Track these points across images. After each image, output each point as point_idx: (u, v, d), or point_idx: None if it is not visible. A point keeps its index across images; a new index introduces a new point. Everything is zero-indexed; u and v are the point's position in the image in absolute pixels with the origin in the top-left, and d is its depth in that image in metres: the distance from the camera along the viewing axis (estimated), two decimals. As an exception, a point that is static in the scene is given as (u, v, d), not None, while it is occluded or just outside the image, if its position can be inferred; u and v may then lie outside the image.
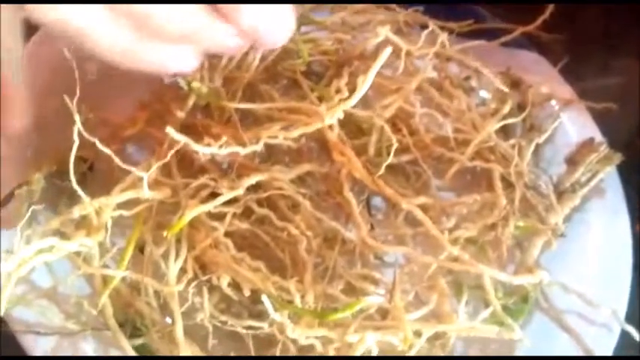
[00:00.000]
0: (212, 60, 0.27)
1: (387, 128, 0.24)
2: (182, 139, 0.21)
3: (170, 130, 0.21)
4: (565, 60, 0.32)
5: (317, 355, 0.21)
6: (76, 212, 0.21)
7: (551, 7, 0.30)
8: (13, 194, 0.24)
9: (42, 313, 0.23)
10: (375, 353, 0.21)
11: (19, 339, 0.23)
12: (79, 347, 0.23)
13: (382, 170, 0.24)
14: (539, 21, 0.31)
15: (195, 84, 0.25)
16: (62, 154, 0.25)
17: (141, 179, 0.22)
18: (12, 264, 0.19)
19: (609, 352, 0.26)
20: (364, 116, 0.25)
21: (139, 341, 0.23)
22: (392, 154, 0.24)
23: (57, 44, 0.29)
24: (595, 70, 0.35)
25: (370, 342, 0.20)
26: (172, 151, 0.21)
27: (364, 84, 0.23)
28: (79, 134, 0.23)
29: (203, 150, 0.22)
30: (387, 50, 0.23)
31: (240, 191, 0.23)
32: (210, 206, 0.22)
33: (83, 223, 0.22)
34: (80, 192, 0.21)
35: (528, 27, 0.31)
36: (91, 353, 0.23)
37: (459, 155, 0.27)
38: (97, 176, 0.26)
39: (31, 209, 0.23)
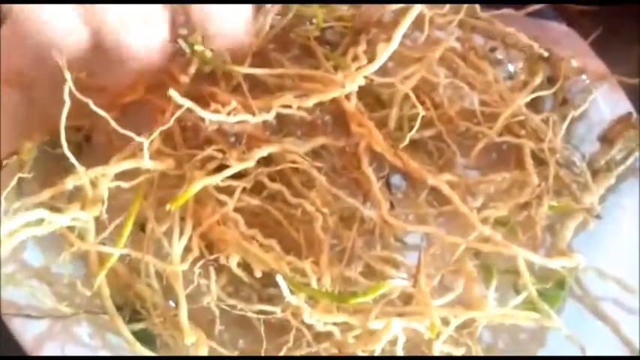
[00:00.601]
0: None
1: (412, 96, 0.22)
2: (187, 103, 0.20)
3: (173, 94, 0.20)
4: (597, 33, 0.30)
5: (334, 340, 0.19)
6: (70, 183, 0.20)
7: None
8: (2, 164, 0.22)
9: (33, 295, 0.21)
10: (401, 341, 0.19)
11: (7, 323, 0.21)
12: (72, 332, 0.21)
13: (406, 142, 0.22)
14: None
15: (199, 47, 0.24)
16: (55, 122, 0.24)
17: (141, 149, 0.20)
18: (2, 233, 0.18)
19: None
20: (385, 85, 0.23)
21: (138, 326, 0.21)
22: (417, 125, 0.22)
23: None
24: (626, 44, 0.33)
25: (396, 329, 0.18)
26: (175, 116, 0.20)
27: (387, 50, 0.22)
28: (75, 102, 0.21)
29: (210, 117, 0.20)
30: (416, 8, 0.21)
31: (250, 163, 0.21)
32: (218, 178, 0.20)
33: (78, 195, 0.21)
34: (73, 160, 0.19)
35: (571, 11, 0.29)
36: (85, 338, 0.21)
37: (486, 130, 0.25)
38: (94, 149, 0.25)
39: (17, 179, 0.21)
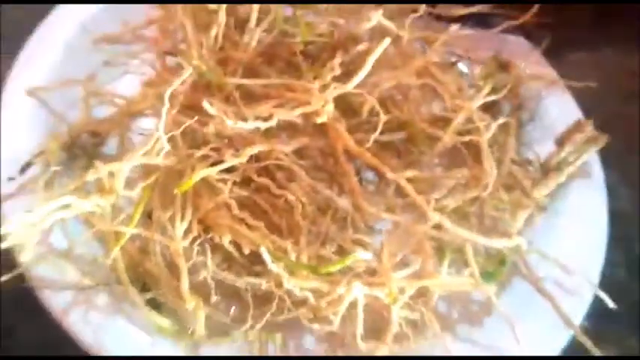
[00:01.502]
0: (207, 41, 0.30)
1: (377, 105, 0.27)
2: (213, 110, 0.24)
3: (206, 105, 0.24)
4: (547, 43, 0.35)
5: (310, 306, 0.24)
6: (91, 176, 0.25)
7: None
8: (32, 162, 0.27)
9: (59, 271, 0.26)
10: (361, 305, 0.24)
11: (37, 294, 0.26)
12: (93, 301, 0.26)
13: (371, 143, 0.27)
14: (530, 12, 0.33)
15: (195, 62, 0.28)
16: (75, 126, 0.29)
17: (149, 149, 0.25)
18: (35, 217, 0.23)
19: (581, 316, 0.29)
20: (355, 94, 0.28)
21: (148, 295, 0.26)
22: (379, 129, 0.27)
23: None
24: (578, 55, 0.38)
25: (357, 293, 0.23)
26: (184, 126, 0.24)
27: (362, 71, 0.27)
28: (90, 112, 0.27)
29: (231, 124, 0.25)
30: (386, 41, 0.26)
31: (242, 159, 0.26)
32: (215, 170, 0.25)
33: (97, 186, 0.26)
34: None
35: (521, 18, 0.34)
36: (103, 306, 0.26)
37: (442, 133, 0.29)
38: (109, 150, 0.30)
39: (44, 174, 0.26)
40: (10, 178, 0.27)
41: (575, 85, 0.34)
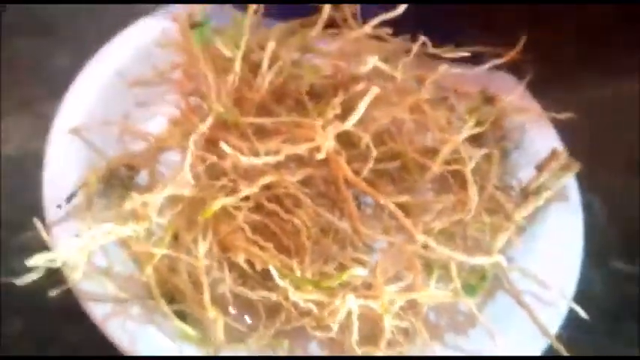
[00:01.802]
0: (225, 84, 0.34)
1: (369, 141, 0.31)
2: (229, 150, 0.29)
3: (225, 146, 0.29)
4: (530, 77, 0.39)
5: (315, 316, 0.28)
6: (128, 205, 0.29)
7: (523, 38, 0.37)
8: (76, 192, 0.32)
9: (100, 286, 0.30)
10: (355, 314, 0.28)
11: (83, 305, 0.30)
12: (128, 312, 0.30)
13: (367, 172, 0.31)
14: (517, 48, 0.37)
15: (215, 105, 0.33)
16: (112, 161, 0.34)
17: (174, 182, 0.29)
18: (84, 240, 0.27)
19: (557, 326, 0.32)
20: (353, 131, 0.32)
21: (175, 307, 0.30)
22: (372, 161, 0.31)
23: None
24: (561, 89, 0.42)
25: (351, 304, 0.27)
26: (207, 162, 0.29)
27: (356, 112, 0.31)
28: (125, 148, 0.31)
29: (244, 160, 0.29)
30: (374, 89, 0.30)
31: (254, 189, 0.30)
32: (232, 199, 0.29)
33: (132, 215, 0.30)
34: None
35: (508, 56, 0.37)
36: (137, 316, 0.30)
37: (431, 162, 0.33)
38: (141, 181, 0.34)
39: (87, 203, 0.31)
40: (58, 206, 0.32)
41: (556, 116, 0.38)
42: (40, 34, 0.44)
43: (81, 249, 0.28)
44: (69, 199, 0.32)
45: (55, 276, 0.30)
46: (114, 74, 0.38)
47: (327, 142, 0.30)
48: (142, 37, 0.39)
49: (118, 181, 0.33)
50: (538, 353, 0.32)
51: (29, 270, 0.28)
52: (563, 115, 0.37)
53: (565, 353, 0.31)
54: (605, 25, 0.46)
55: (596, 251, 0.36)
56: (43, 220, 0.31)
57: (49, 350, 0.34)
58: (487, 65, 0.38)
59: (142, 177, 0.34)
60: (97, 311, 0.30)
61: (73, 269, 0.28)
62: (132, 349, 0.30)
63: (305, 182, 0.33)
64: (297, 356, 0.30)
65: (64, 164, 0.34)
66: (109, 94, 0.37)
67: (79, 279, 0.29)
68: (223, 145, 0.29)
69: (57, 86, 0.37)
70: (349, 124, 0.31)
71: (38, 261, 0.28)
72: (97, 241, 0.28)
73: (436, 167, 0.33)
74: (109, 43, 0.39)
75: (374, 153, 0.31)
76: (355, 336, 0.28)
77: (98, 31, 0.40)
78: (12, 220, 0.36)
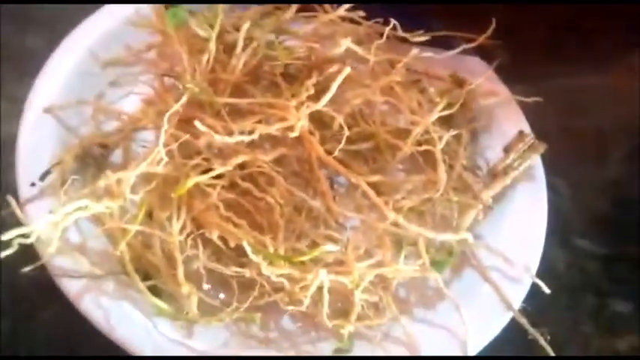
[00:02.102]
0: (200, 64, 0.34)
1: (342, 121, 0.32)
2: (203, 128, 0.29)
3: (198, 125, 0.29)
4: (501, 62, 0.40)
5: (286, 291, 0.29)
6: (102, 182, 0.29)
7: (493, 22, 0.38)
8: (50, 171, 0.32)
9: (74, 262, 0.31)
10: (326, 288, 0.28)
11: (56, 281, 0.30)
12: (102, 288, 0.31)
13: (340, 152, 0.32)
14: (486, 34, 0.38)
15: (189, 85, 0.33)
16: (85, 139, 0.34)
17: (150, 159, 0.30)
18: (58, 216, 0.28)
19: (520, 300, 0.33)
20: (326, 111, 0.33)
21: (149, 283, 0.31)
22: (343, 141, 0.32)
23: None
24: (531, 75, 0.43)
25: (322, 277, 0.28)
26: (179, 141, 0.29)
27: (329, 92, 0.31)
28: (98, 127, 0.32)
29: (218, 138, 0.30)
30: (346, 70, 0.31)
31: (229, 167, 0.30)
32: (206, 177, 0.30)
33: (106, 192, 0.30)
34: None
35: (478, 39, 0.38)
36: (111, 292, 0.31)
37: (402, 143, 0.34)
38: (115, 159, 0.35)
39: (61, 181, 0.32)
40: (32, 184, 0.32)
41: (524, 99, 0.39)
42: (11, 16, 0.44)
43: (54, 224, 0.28)
44: (43, 176, 0.32)
45: (28, 253, 0.30)
46: (87, 54, 0.37)
47: (300, 122, 0.30)
48: (115, 18, 0.39)
49: (91, 159, 0.33)
50: (501, 326, 0.33)
51: (4, 246, 0.28)
52: (531, 100, 0.39)
53: (528, 327, 0.32)
54: (578, 12, 0.47)
55: (559, 230, 0.38)
56: (17, 199, 0.31)
57: (25, 326, 0.34)
58: (458, 49, 0.39)
59: (117, 155, 0.35)
60: (70, 287, 0.30)
61: (46, 245, 0.28)
62: (106, 325, 0.30)
63: (279, 162, 0.34)
64: (298, 356, 0.31)
65: (37, 143, 0.34)
66: (82, 74, 0.37)
67: (52, 255, 0.29)
68: (197, 124, 0.29)
69: (27, 68, 0.37)
70: (322, 103, 0.31)
71: (12, 235, 0.28)
72: (70, 217, 0.28)
73: (407, 148, 0.34)
74: (82, 23, 0.39)
75: (346, 133, 0.31)
76: (326, 309, 0.29)
77: (70, 14, 0.40)
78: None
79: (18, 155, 0.34)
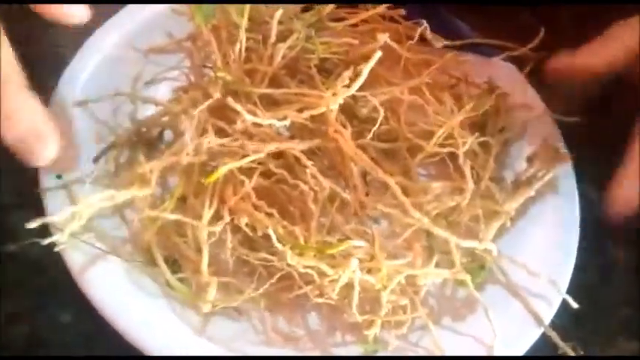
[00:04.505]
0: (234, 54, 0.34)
1: (380, 107, 0.31)
2: (234, 104, 0.29)
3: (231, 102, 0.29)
4: (530, 67, 0.38)
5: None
6: (139, 170, 0.29)
7: (541, 34, 0.37)
8: (104, 153, 0.33)
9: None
10: (357, 279, 0.28)
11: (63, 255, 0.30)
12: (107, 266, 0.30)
13: (369, 150, 0.32)
14: (526, 48, 0.37)
15: (221, 73, 0.32)
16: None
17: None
18: (80, 207, 0.28)
19: (550, 316, 0.32)
20: (363, 103, 0.32)
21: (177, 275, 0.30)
22: (371, 134, 0.31)
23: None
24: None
25: (354, 266, 0.27)
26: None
27: (362, 75, 0.31)
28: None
29: (250, 118, 0.29)
30: (378, 52, 0.30)
31: (261, 155, 0.30)
32: (239, 163, 0.29)
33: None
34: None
35: (515, 51, 0.37)
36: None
37: (424, 144, 0.33)
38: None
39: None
40: (58, 177, 0.32)
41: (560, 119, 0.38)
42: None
43: (76, 215, 0.28)
44: (96, 159, 0.32)
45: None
46: (119, 44, 0.37)
47: (332, 106, 0.30)
48: (150, 9, 0.39)
49: (143, 142, 0.33)
50: (532, 341, 0.32)
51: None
52: (569, 119, 0.37)
53: (559, 341, 0.31)
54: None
55: (592, 239, 0.36)
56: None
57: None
58: (497, 57, 0.38)
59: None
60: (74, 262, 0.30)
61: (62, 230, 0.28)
62: (122, 321, 0.29)
63: (314, 154, 0.33)
64: (299, 356, 0.30)
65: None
66: (113, 63, 0.37)
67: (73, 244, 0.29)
68: (230, 101, 0.29)
69: (57, 64, 0.36)
70: (354, 88, 0.31)
71: (34, 224, 0.28)
72: (93, 207, 0.28)
73: (429, 148, 0.33)
74: (118, 13, 0.39)
75: (375, 127, 0.30)
76: (356, 301, 0.28)
77: (100, 10, 0.39)
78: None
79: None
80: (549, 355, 0.32)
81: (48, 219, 0.29)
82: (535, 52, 0.38)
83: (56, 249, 0.29)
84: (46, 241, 0.28)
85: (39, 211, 0.30)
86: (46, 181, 0.32)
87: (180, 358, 0.29)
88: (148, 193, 0.30)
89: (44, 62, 0.38)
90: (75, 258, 0.30)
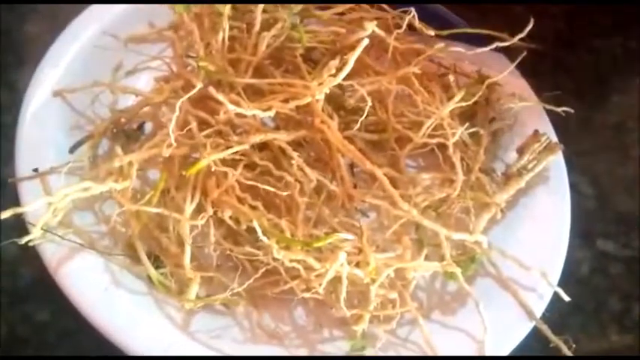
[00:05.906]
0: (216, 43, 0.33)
1: (368, 98, 0.30)
2: (215, 94, 0.28)
3: (212, 91, 0.28)
4: (522, 57, 0.37)
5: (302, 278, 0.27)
6: (116, 163, 0.28)
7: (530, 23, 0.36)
8: (81, 142, 0.31)
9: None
10: (344, 281, 0.27)
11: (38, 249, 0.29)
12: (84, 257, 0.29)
13: (357, 141, 0.31)
14: (516, 38, 0.36)
15: (203, 63, 0.31)
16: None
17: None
18: (55, 198, 0.27)
19: (541, 309, 0.31)
20: (349, 94, 0.31)
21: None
22: (357, 126, 0.30)
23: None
24: (550, 68, 0.41)
25: (341, 259, 0.26)
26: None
27: (348, 64, 0.30)
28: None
29: (232, 108, 0.28)
30: (365, 41, 0.29)
31: (246, 146, 0.29)
32: (222, 154, 0.28)
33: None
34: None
35: (506, 41, 0.36)
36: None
37: (413, 135, 0.32)
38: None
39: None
40: (35, 170, 0.31)
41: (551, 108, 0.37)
42: (11, 3, 0.42)
43: (51, 205, 0.27)
44: (73, 148, 0.31)
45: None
46: (98, 34, 0.36)
47: (318, 95, 0.29)
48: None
49: (122, 133, 0.32)
50: (523, 335, 0.31)
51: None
52: (559, 109, 0.37)
53: (550, 334, 0.30)
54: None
55: (583, 231, 0.36)
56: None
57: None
58: (487, 48, 0.37)
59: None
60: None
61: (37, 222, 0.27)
62: (103, 318, 0.28)
63: (300, 146, 0.32)
64: (299, 356, 0.29)
65: (40, 124, 0.33)
66: (90, 56, 0.35)
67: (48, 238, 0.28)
68: (212, 91, 0.28)
69: (28, 57, 0.36)
70: (340, 78, 0.30)
71: (7, 214, 0.27)
72: (68, 198, 0.27)
73: (417, 139, 0.32)
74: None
75: (365, 114, 0.30)
76: (344, 295, 0.27)
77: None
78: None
79: (18, 135, 0.32)
80: (541, 354, 0.31)
81: (21, 209, 0.27)
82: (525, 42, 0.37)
83: (31, 243, 0.28)
84: (23, 240, 0.27)
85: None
86: (21, 172, 0.30)
87: (163, 358, 0.28)
88: (127, 186, 0.29)
89: (21, 51, 0.37)
90: (52, 254, 0.29)
